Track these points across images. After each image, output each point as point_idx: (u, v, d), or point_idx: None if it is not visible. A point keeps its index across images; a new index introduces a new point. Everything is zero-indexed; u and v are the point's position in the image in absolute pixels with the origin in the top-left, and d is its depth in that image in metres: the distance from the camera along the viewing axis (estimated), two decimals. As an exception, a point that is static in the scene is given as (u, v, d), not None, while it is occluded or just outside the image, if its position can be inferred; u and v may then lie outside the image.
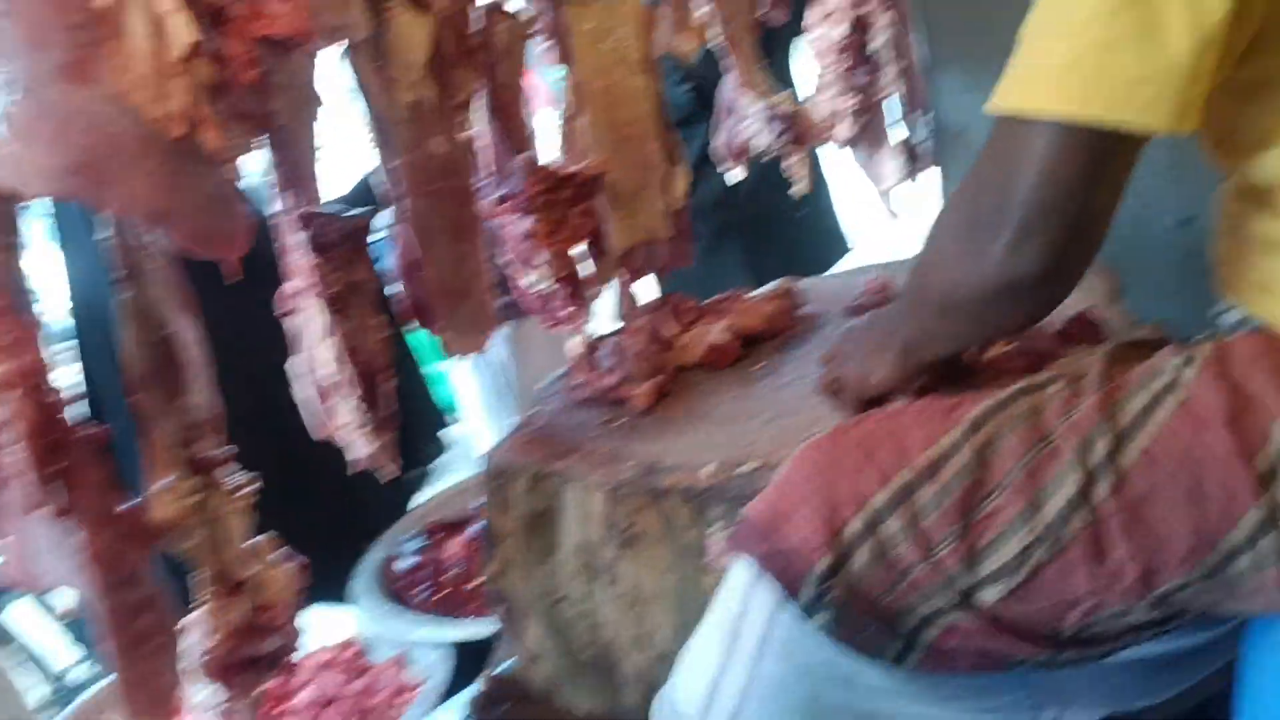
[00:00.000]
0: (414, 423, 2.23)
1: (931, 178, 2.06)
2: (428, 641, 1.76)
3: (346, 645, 1.90)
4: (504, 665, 1.39)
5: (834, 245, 2.60)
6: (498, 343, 2.41)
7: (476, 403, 2.42)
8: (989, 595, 0.82)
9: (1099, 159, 0.73)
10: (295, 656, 1.86)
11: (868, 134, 1.88)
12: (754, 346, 1.41)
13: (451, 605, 1.87)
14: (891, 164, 1.90)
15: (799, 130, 1.59)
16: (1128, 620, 0.82)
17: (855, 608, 0.84)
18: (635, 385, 1.31)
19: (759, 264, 2.49)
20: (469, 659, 1.59)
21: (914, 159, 1.91)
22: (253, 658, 1.33)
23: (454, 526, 2.04)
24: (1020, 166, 0.74)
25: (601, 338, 1.44)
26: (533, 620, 1.28)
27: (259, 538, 1.32)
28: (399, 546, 2.04)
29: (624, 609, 1.17)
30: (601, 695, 1.25)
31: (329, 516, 2.16)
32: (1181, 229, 1.76)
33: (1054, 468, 0.79)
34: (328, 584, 2.03)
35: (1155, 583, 0.80)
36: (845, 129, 1.84)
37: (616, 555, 1.16)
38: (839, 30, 1.76)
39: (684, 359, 1.40)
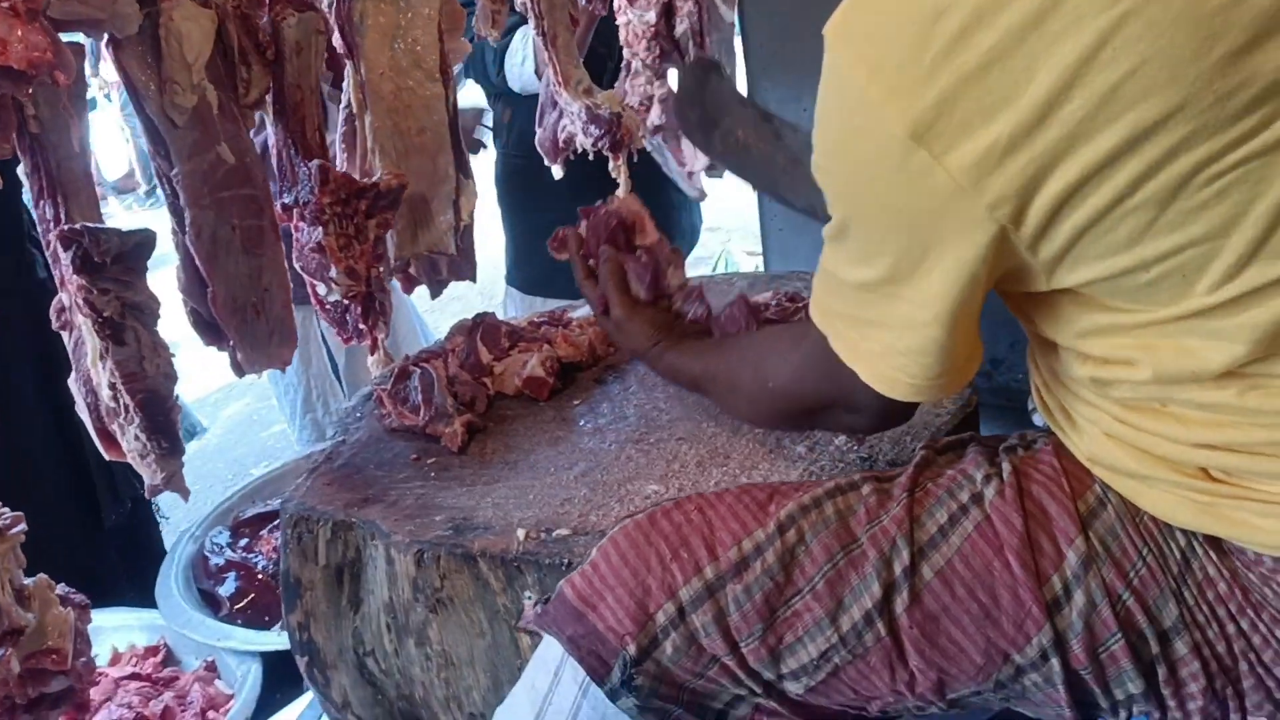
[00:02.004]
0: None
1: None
2: (236, 650, 1.70)
3: (152, 651, 1.82)
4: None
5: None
6: (315, 343, 2.29)
7: (288, 400, 2.30)
8: (792, 688, 0.85)
9: None
10: (98, 663, 1.77)
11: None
12: (574, 374, 1.37)
13: (263, 607, 1.82)
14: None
15: (618, 135, 1.52)
16: (928, 712, 0.86)
17: (663, 692, 0.86)
18: (446, 423, 1.25)
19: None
20: (282, 664, 1.53)
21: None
22: (36, 700, 1.27)
23: (263, 519, 1.97)
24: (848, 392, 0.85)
25: (412, 360, 1.36)
26: (340, 671, 1.22)
27: (34, 579, 1.23)
28: (208, 541, 1.95)
29: (435, 670, 1.13)
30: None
31: (128, 514, 2.04)
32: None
33: (855, 576, 0.82)
34: (135, 582, 1.94)
35: (949, 689, 0.84)
36: (655, 114, 1.78)
37: (426, 618, 1.11)
38: (649, 15, 1.69)
39: (500, 387, 1.34)
